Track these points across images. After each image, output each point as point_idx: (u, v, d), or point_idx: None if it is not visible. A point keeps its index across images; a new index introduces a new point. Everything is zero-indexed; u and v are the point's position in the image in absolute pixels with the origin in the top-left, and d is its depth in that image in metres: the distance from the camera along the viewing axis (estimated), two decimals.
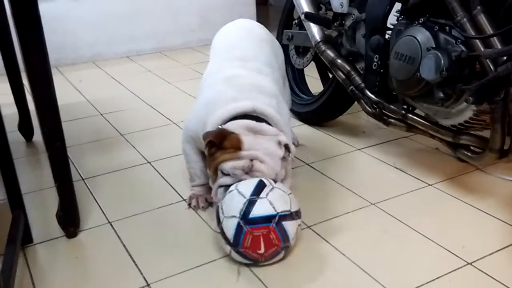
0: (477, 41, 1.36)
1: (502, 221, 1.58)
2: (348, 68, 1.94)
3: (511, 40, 1.30)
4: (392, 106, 1.79)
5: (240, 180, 1.40)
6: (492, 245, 1.46)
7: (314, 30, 2.04)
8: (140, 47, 3.91)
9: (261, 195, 1.32)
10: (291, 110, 2.27)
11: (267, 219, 1.30)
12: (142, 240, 1.58)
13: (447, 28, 1.45)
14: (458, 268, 1.37)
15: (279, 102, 1.61)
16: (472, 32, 1.38)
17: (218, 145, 1.42)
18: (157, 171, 2.04)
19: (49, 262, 1.48)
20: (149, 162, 2.11)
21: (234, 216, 1.31)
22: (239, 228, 1.30)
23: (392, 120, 1.83)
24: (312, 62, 2.34)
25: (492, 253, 1.43)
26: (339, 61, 1.97)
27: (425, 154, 2.07)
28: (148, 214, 1.74)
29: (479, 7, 1.36)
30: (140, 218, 1.72)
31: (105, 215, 1.74)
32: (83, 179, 1.97)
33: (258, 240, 1.30)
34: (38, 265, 1.47)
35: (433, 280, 1.33)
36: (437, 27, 1.47)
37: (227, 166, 1.40)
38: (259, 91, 1.57)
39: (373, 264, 1.40)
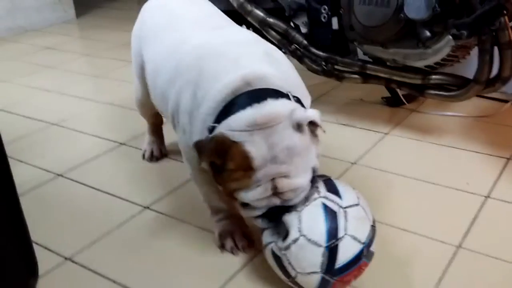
0: None
1: (480, 152, 1.62)
2: (285, 27, 1.77)
3: None
4: (346, 59, 1.69)
5: (282, 207, 1.01)
6: (492, 175, 1.49)
7: None
8: None
9: (339, 235, 0.97)
10: None
11: (357, 258, 0.99)
12: (124, 263, 1.21)
13: None
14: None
15: (264, 47, 1.17)
16: None
17: (221, 167, 0.99)
18: (79, 183, 1.56)
19: None
20: (60, 175, 1.61)
21: (315, 272, 0.98)
22: (324, 282, 0.99)
23: (346, 74, 1.73)
24: None
25: (496, 181, 1.47)
26: (271, 19, 1.78)
27: (356, 107, 2.03)
28: (111, 237, 1.31)
29: None
30: (104, 243, 1.29)
31: (54, 252, 1.25)
32: None
33: (349, 281, 1.03)
34: None
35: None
36: None
37: (247, 198, 1.00)
38: (240, 45, 1.16)
39: None
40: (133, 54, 1.49)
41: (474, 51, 1.51)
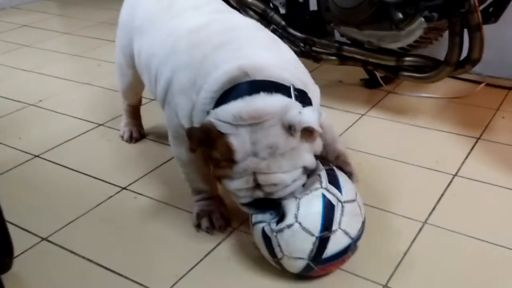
0: None
1: (452, 132, 1.67)
2: (263, 7, 1.77)
3: None
4: (324, 41, 1.71)
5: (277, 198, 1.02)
6: (462, 154, 1.54)
7: None
8: None
9: (333, 227, 1.01)
10: None
11: (343, 252, 1.04)
12: (100, 243, 1.24)
13: None
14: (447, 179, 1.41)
15: (263, 34, 1.18)
16: None
17: (208, 155, 1.02)
18: (57, 163, 1.57)
19: None
20: (37, 156, 1.62)
21: (301, 258, 1.02)
22: (308, 267, 1.03)
23: (324, 56, 1.75)
24: None
25: (464, 160, 1.51)
26: None
27: (335, 88, 2.06)
28: (87, 217, 1.33)
29: None
30: (81, 223, 1.31)
31: (31, 233, 1.27)
32: None
33: (331, 271, 1.08)
34: None
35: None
36: None
37: (231, 186, 1.03)
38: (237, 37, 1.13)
39: None
40: (120, 42, 1.45)
41: (447, 34, 1.54)
